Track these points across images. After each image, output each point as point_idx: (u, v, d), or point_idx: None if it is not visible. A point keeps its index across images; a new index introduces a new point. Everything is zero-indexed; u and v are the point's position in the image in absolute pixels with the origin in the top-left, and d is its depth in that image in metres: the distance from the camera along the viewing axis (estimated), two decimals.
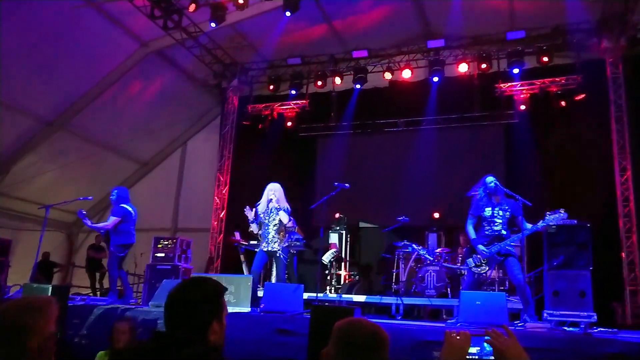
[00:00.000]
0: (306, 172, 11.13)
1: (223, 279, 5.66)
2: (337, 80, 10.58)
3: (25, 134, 10.38)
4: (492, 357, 1.88)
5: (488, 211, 5.58)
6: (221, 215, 11.11)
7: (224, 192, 11.26)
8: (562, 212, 5.31)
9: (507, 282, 7.52)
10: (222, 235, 10.90)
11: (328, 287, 9.09)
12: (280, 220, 6.38)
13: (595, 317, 5.29)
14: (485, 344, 2.00)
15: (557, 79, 9.15)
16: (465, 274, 6.63)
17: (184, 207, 12.57)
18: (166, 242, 7.31)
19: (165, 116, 11.81)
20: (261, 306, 5.64)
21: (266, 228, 6.42)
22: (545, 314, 5.47)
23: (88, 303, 6.26)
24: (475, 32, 9.57)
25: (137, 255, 9.22)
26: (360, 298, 7.62)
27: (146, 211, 9.90)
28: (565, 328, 5.24)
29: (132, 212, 6.79)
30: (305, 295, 6.01)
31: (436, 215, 9.42)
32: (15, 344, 1.64)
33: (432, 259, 7.93)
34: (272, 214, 6.40)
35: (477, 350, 2.03)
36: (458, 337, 1.92)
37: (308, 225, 9.04)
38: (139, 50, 10.22)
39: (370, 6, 9.80)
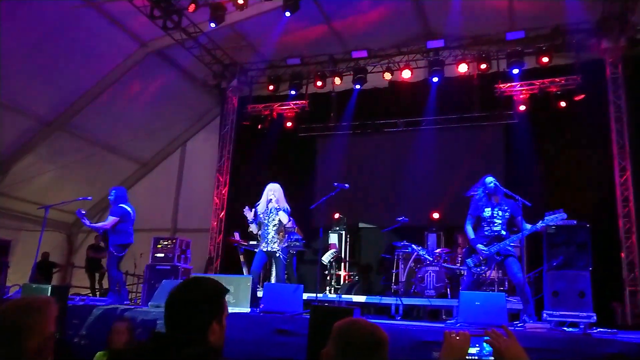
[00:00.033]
0: (306, 173, 11.11)
1: (223, 280, 5.62)
2: (337, 80, 10.57)
3: (25, 134, 10.38)
4: (492, 358, 1.89)
5: (487, 211, 5.58)
6: (221, 216, 11.10)
7: (223, 192, 11.25)
8: (562, 212, 5.32)
9: (506, 283, 7.53)
10: (221, 235, 10.88)
11: (328, 288, 9.09)
12: (279, 221, 6.38)
13: (595, 317, 5.29)
14: (484, 345, 2.00)
15: (556, 80, 9.15)
16: (465, 274, 6.64)
17: (183, 207, 12.56)
18: (166, 243, 7.30)
19: (164, 116, 11.81)
20: (261, 306, 5.63)
21: (266, 228, 6.42)
22: (544, 315, 5.47)
23: (87, 303, 6.26)
24: (475, 32, 9.57)
25: (137, 255, 9.23)
26: (360, 298, 7.62)
27: (146, 211, 9.94)
28: (565, 328, 5.24)
29: (131, 212, 6.79)
30: (305, 296, 6.01)
31: (436, 215, 9.44)
32: (14, 344, 1.64)
33: (431, 259, 7.93)
34: (271, 214, 6.40)
35: (476, 350, 2.03)
36: (457, 338, 1.92)
37: (308, 225, 9.03)
38: (139, 50, 10.22)
39: (370, 6, 9.80)
